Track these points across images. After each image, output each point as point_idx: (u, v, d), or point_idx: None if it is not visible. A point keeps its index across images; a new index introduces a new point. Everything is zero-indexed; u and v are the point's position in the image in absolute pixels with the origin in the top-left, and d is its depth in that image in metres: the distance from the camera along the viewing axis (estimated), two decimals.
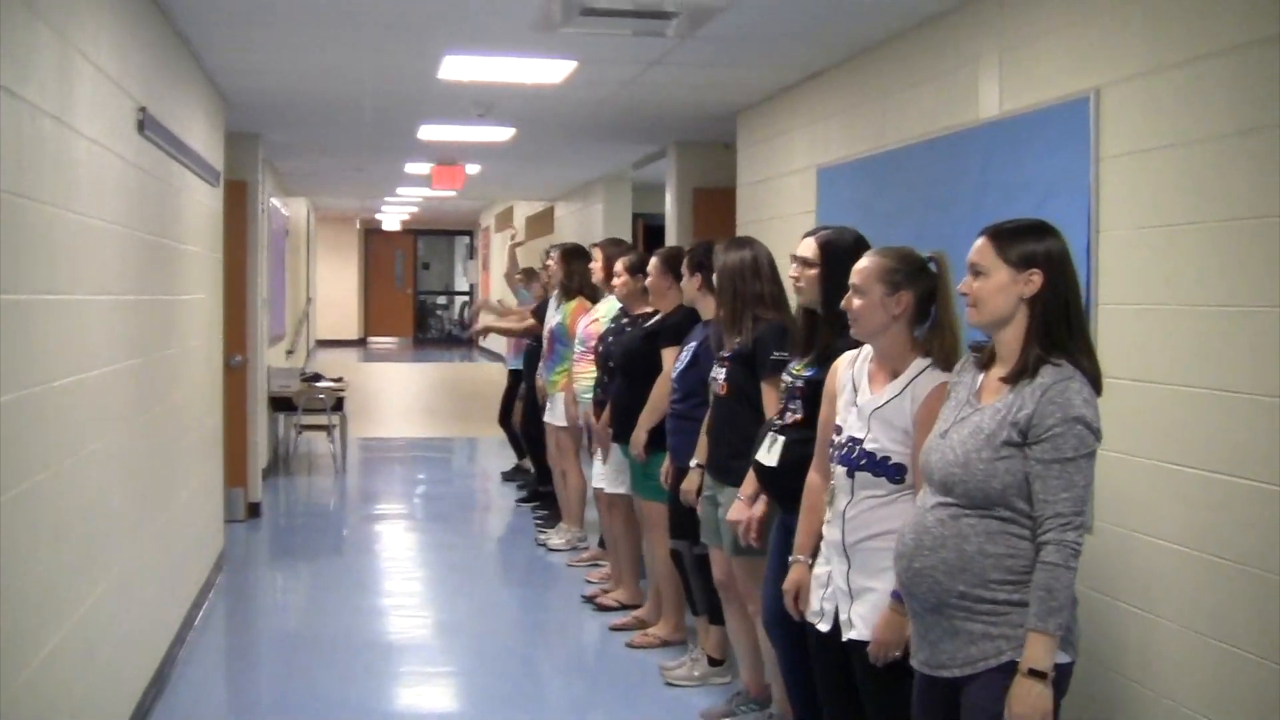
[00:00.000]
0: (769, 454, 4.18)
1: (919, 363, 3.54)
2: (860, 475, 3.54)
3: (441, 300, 33.21)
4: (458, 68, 7.04)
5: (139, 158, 5.03)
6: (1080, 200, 4.38)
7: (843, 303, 3.64)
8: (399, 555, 9.00)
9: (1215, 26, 3.75)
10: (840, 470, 3.60)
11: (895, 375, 3.57)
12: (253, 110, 8.62)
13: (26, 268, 3.44)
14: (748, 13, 5.60)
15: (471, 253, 30.63)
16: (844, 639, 3.58)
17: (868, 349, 3.67)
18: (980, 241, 3.10)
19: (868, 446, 3.53)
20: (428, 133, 10.03)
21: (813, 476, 3.88)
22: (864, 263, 3.61)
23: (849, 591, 3.57)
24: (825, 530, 3.69)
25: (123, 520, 4.83)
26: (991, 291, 3.05)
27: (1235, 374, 3.65)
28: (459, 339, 30.94)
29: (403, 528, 10.08)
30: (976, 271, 3.08)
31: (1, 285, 3.21)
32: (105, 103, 4.41)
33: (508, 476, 11.24)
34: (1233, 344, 3.66)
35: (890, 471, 3.49)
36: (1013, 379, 3.02)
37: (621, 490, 6.65)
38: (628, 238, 13.86)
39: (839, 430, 3.65)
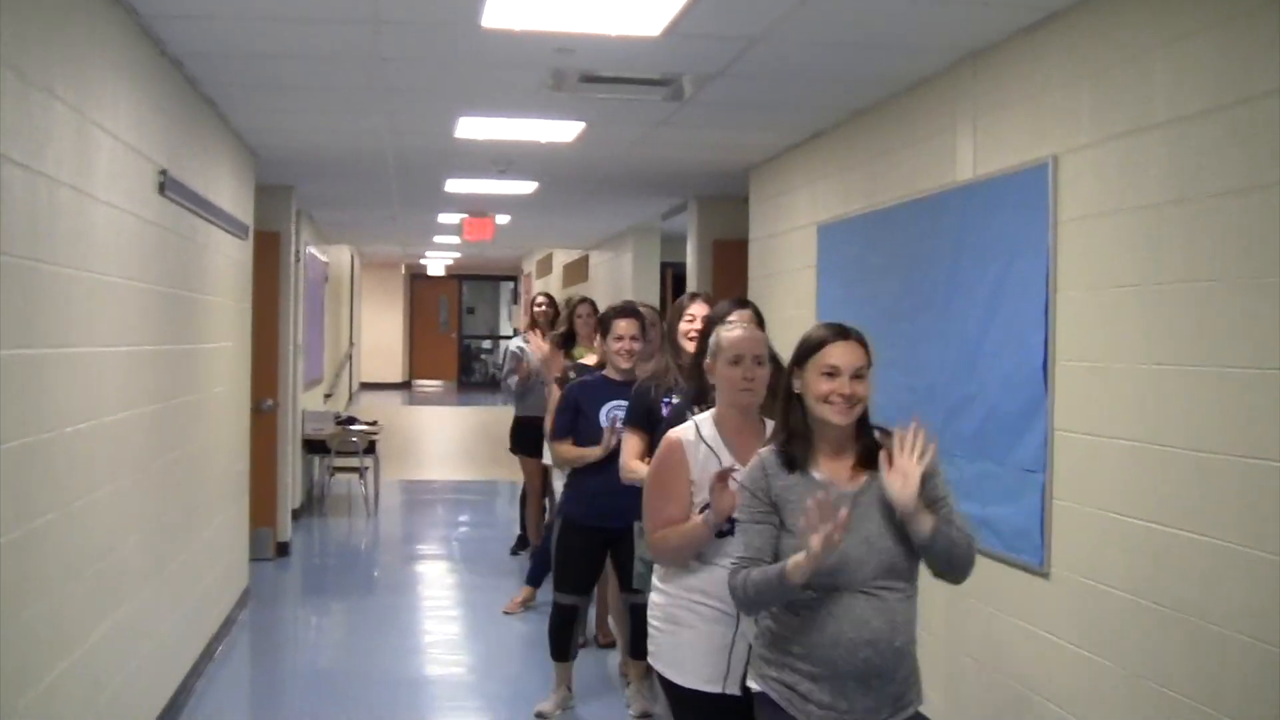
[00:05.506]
0: None
1: None
2: None
3: (485, 344, 33.59)
4: (473, 128, 7.35)
5: (159, 217, 5.34)
6: (1040, 261, 4.59)
7: None
8: (429, 595, 9.17)
9: (1150, 101, 3.97)
10: None
11: None
12: (284, 165, 8.94)
13: (39, 325, 3.74)
14: (743, 80, 5.86)
15: (515, 298, 31.01)
16: None
17: None
18: None
19: None
20: (454, 186, 10.37)
21: None
22: None
23: None
24: None
25: (138, 559, 5.10)
26: None
27: (1174, 430, 3.84)
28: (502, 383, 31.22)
29: (434, 569, 10.22)
30: None
31: (13, 341, 3.50)
32: (124, 169, 4.72)
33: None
34: (1170, 401, 3.85)
35: None
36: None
37: None
38: (656, 286, 14.16)
39: None
